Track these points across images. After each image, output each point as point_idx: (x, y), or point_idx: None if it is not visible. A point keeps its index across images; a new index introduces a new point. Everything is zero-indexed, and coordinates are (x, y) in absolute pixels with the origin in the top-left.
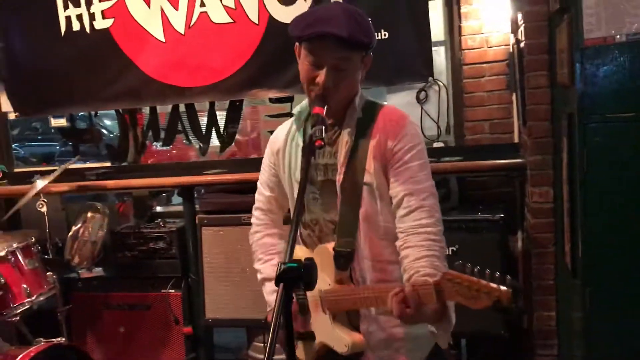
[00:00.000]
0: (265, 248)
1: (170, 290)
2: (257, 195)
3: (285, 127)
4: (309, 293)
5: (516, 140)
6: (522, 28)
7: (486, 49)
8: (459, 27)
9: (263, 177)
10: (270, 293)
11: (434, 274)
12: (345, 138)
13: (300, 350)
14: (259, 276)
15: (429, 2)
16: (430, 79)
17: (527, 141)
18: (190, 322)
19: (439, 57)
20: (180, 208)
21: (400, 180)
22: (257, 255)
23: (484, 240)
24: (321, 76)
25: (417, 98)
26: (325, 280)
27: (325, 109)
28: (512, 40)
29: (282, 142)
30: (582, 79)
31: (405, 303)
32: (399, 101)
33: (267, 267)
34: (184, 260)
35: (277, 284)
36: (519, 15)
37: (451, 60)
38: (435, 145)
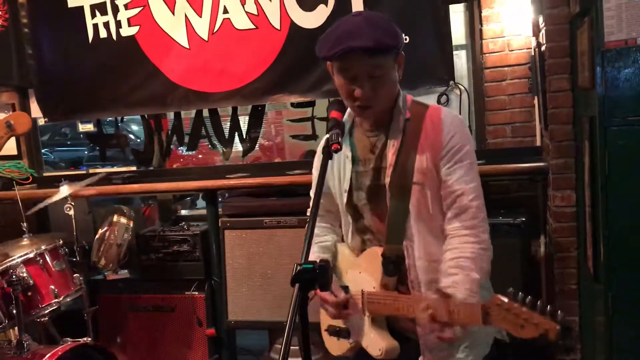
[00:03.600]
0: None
1: (194, 293)
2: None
3: None
4: (352, 292)
5: (538, 143)
6: (543, 31)
7: (507, 53)
8: (480, 30)
9: (313, 185)
10: None
11: (455, 273)
12: (392, 140)
13: (334, 346)
14: None
15: (450, 6)
16: (452, 82)
17: (548, 145)
18: (213, 324)
19: (460, 60)
20: (204, 212)
21: (452, 180)
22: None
23: (505, 244)
24: (358, 91)
25: (439, 102)
26: (370, 282)
27: (344, 113)
28: (533, 43)
29: None
30: (603, 82)
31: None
32: None
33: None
34: (207, 262)
35: (292, 285)
36: (540, 18)
37: (472, 64)
38: None
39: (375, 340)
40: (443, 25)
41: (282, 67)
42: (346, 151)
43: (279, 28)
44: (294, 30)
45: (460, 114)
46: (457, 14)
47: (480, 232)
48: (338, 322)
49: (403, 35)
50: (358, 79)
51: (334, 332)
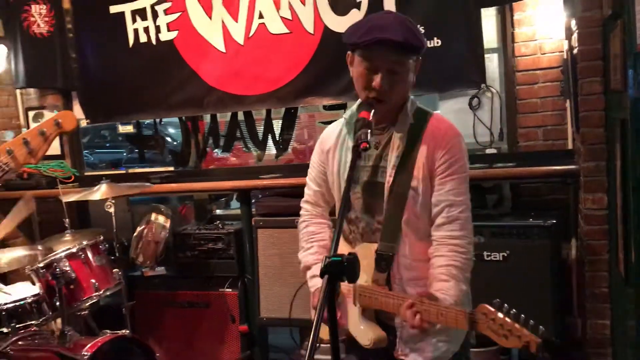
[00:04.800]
0: (307, 236)
1: (228, 290)
2: (306, 190)
3: (335, 128)
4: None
5: (570, 146)
6: (575, 34)
7: (540, 56)
8: (512, 34)
9: (312, 174)
10: (310, 278)
11: (447, 280)
12: (397, 142)
13: (326, 333)
14: (301, 266)
15: (482, 10)
16: (483, 85)
17: (580, 148)
18: (245, 320)
19: (492, 64)
20: (238, 211)
21: (443, 190)
22: (300, 244)
23: (535, 247)
24: (377, 80)
25: (470, 105)
26: (362, 276)
27: (372, 113)
28: (565, 46)
29: (333, 142)
30: (635, 84)
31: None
32: (451, 107)
33: (306, 255)
34: (240, 260)
35: (322, 276)
36: (573, 22)
37: (504, 67)
38: (488, 151)
39: (365, 331)
40: (475, 29)
41: (315, 71)
42: (349, 143)
43: (312, 32)
44: (327, 34)
45: (491, 116)
46: (488, 18)
47: (467, 243)
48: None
49: (429, 44)
50: (378, 71)
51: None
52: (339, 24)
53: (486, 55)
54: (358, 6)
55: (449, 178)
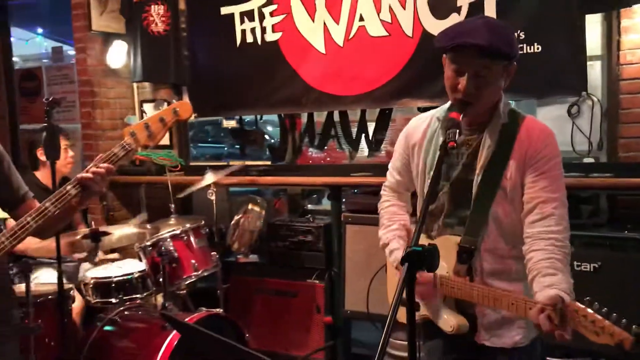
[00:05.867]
0: (389, 215)
1: (315, 281)
2: (387, 176)
3: (422, 123)
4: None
5: None
6: None
7: None
8: (618, 41)
9: (395, 163)
10: (390, 253)
11: (554, 273)
12: (488, 141)
13: (402, 315)
14: (380, 242)
15: (586, 16)
16: (584, 93)
17: None
18: (330, 312)
19: (594, 71)
20: (328, 207)
21: (536, 188)
22: (381, 221)
23: (629, 260)
24: (462, 82)
25: (569, 112)
26: (443, 267)
27: (462, 115)
28: None
29: (419, 137)
30: None
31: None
32: (549, 114)
33: (386, 232)
34: (328, 254)
35: (402, 264)
36: None
37: (607, 75)
38: (586, 160)
39: (448, 319)
40: (578, 35)
41: (411, 73)
42: (439, 140)
43: (410, 35)
44: (425, 37)
45: (591, 125)
46: (592, 25)
47: (564, 238)
48: None
49: (530, 50)
50: (464, 74)
51: (404, 302)
52: (438, 27)
53: (588, 63)
54: (458, 10)
55: (543, 176)
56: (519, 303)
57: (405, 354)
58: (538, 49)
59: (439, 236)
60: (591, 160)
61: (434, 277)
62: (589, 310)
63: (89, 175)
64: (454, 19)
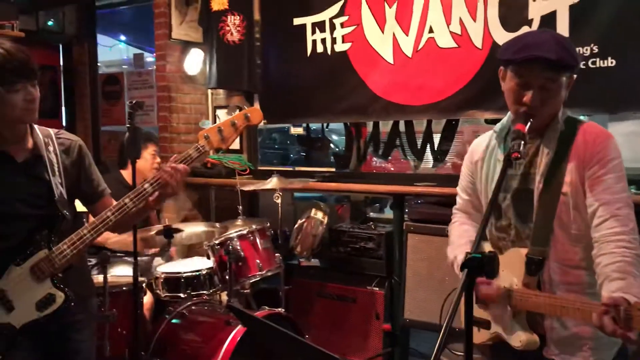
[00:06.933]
0: (458, 232)
1: (375, 288)
2: (457, 198)
3: (484, 140)
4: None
5: None
6: None
7: None
8: None
9: (462, 184)
10: (456, 267)
11: (623, 277)
12: (546, 150)
13: (475, 335)
14: (448, 260)
15: None
16: None
17: None
18: (389, 319)
19: None
20: (390, 216)
21: (597, 190)
22: (450, 239)
23: None
24: (528, 96)
25: None
26: (512, 280)
27: (527, 126)
28: None
29: (481, 153)
30: None
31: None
32: (622, 130)
33: (455, 249)
34: (389, 261)
35: (461, 270)
36: None
37: None
38: None
39: (517, 333)
40: None
41: (480, 85)
42: (498, 154)
43: (480, 47)
44: (495, 49)
45: None
46: None
47: (633, 239)
48: (480, 313)
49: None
50: (530, 87)
51: (476, 322)
52: (508, 39)
53: None
54: (529, 23)
55: (604, 178)
56: (584, 307)
57: None
58: (612, 62)
59: (509, 249)
60: None
61: (502, 290)
62: None
63: (167, 169)
64: (524, 31)
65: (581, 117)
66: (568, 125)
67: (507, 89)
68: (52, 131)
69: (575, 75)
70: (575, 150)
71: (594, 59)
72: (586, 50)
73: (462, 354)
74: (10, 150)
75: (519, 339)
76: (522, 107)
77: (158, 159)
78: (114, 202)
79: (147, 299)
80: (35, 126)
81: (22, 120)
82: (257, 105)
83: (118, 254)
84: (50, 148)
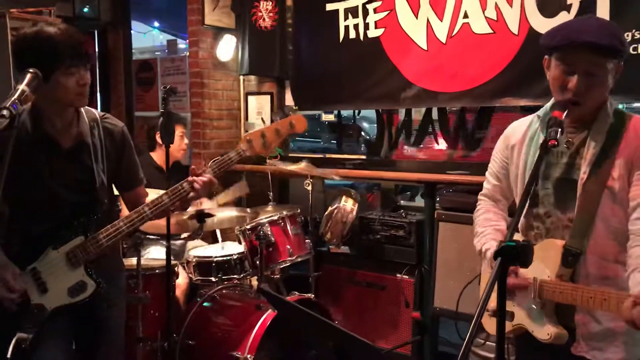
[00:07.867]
0: (483, 221)
1: (405, 276)
2: (485, 184)
3: (522, 125)
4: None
5: None
6: None
7: None
8: None
9: (493, 168)
10: (484, 257)
11: None
12: (594, 141)
13: (494, 326)
14: (476, 250)
15: None
16: None
17: None
18: (419, 308)
19: None
20: (421, 205)
21: None
22: (475, 229)
23: None
24: (572, 82)
25: None
26: (544, 271)
27: (565, 113)
28: None
29: (519, 138)
30: None
31: None
32: None
33: (480, 239)
34: (419, 250)
35: (495, 258)
36: None
37: None
38: None
39: (546, 326)
40: None
41: (515, 72)
42: (540, 140)
43: (516, 33)
44: (532, 35)
45: None
46: None
47: None
48: None
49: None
50: (575, 73)
51: (494, 314)
52: (546, 25)
53: None
54: (568, 8)
55: None
56: (611, 298)
57: (491, 355)
58: None
59: (541, 239)
60: None
61: (534, 280)
62: None
63: (204, 178)
64: (563, 17)
65: (619, 106)
66: (617, 118)
67: (552, 77)
68: (97, 114)
69: (622, 63)
70: (626, 144)
71: (636, 45)
72: (627, 36)
73: (489, 343)
74: (57, 137)
75: (547, 332)
76: (567, 93)
77: (186, 140)
78: (146, 191)
79: (183, 279)
80: (82, 109)
81: (74, 104)
82: (288, 92)
83: (152, 237)
84: (95, 132)
